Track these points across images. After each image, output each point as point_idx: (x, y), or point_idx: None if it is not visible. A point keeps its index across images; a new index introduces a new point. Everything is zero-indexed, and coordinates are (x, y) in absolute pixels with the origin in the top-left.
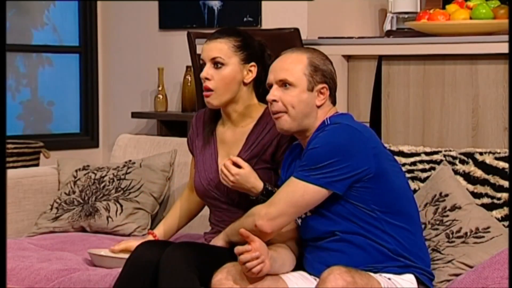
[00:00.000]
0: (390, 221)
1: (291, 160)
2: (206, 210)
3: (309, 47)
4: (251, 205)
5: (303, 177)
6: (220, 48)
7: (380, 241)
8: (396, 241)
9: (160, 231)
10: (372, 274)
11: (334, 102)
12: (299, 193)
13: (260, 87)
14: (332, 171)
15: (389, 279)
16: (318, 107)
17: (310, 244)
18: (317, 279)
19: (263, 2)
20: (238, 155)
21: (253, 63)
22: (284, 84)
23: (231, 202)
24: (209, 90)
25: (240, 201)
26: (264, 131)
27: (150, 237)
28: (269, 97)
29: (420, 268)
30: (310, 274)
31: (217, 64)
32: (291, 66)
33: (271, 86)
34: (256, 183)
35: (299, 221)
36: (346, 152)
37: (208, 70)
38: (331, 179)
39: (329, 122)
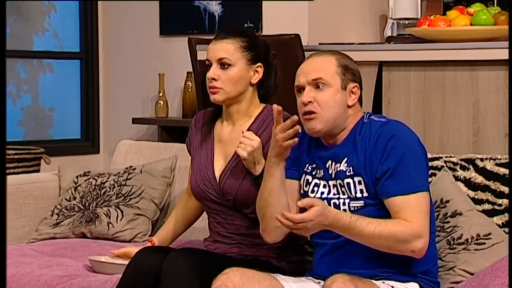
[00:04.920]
0: None
1: (301, 150)
2: (206, 216)
3: (333, 50)
4: (248, 207)
5: (416, 189)
6: (227, 48)
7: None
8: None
9: (158, 238)
10: (374, 281)
11: (361, 104)
12: (425, 204)
13: (263, 87)
14: (426, 172)
15: (392, 287)
16: (349, 107)
17: (326, 245)
18: (321, 282)
19: (264, 8)
20: (234, 154)
21: (259, 64)
22: (317, 85)
23: (227, 204)
24: (216, 88)
25: (236, 202)
26: (261, 129)
27: (149, 245)
28: (304, 99)
29: (426, 278)
30: (317, 278)
31: (224, 65)
32: (322, 65)
33: (301, 88)
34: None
35: None
36: (422, 150)
37: (214, 71)
38: (427, 181)
39: (377, 119)
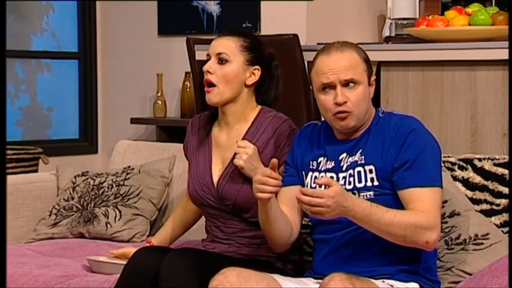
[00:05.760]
0: None
1: (300, 152)
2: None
3: (345, 42)
4: (247, 212)
5: (433, 183)
6: (228, 45)
7: (406, 248)
8: (419, 250)
9: (156, 241)
10: (374, 280)
11: None
12: (439, 199)
13: (263, 94)
14: (441, 169)
15: (391, 286)
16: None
17: (329, 243)
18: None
19: (262, 8)
20: (232, 159)
21: (257, 67)
22: (347, 83)
23: (226, 209)
24: (211, 84)
25: (235, 207)
26: (258, 133)
27: (148, 245)
28: (340, 99)
29: (427, 277)
30: (317, 277)
31: (221, 60)
32: (351, 63)
33: (327, 86)
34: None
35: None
36: (439, 148)
37: (211, 64)
38: (442, 178)
39: (396, 113)
